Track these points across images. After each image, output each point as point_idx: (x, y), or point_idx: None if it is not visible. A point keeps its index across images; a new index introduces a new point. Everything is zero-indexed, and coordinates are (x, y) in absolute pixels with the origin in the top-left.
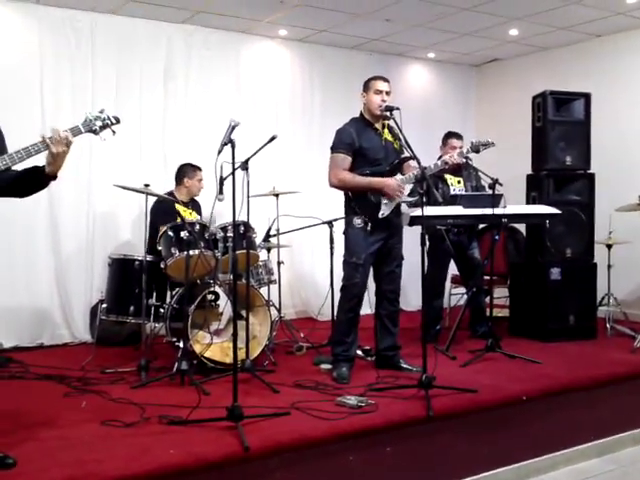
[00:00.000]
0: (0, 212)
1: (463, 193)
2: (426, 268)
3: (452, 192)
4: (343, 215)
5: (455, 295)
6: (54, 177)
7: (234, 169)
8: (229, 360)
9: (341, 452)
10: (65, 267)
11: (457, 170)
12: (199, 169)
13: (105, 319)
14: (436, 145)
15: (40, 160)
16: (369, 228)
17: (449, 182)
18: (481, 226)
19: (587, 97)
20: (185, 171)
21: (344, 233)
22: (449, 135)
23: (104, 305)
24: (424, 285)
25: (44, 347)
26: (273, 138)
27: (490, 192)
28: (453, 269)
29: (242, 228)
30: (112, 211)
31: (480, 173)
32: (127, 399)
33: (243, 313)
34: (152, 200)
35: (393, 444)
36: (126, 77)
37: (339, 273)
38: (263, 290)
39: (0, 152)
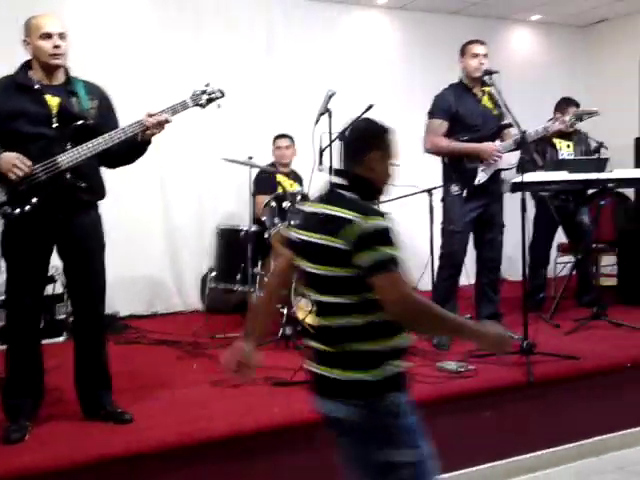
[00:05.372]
0: (115, 186)
1: (567, 158)
2: (532, 235)
3: (560, 157)
4: (441, 183)
5: (560, 264)
6: (149, 142)
7: (332, 140)
8: None
9: (441, 414)
10: (176, 239)
11: (567, 134)
12: (280, 137)
13: (214, 287)
14: (544, 109)
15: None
16: (465, 195)
17: (558, 147)
18: (590, 191)
19: None
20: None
21: (442, 200)
22: (563, 102)
23: (213, 274)
24: (524, 252)
25: (158, 315)
26: (370, 107)
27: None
28: (559, 237)
29: None
30: (218, 183)
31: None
32: None
33: None
34: (256, 172)
35: (493, 408)
36: (229, 52)
37: (439, 242)
38: None
39: (113, 127)
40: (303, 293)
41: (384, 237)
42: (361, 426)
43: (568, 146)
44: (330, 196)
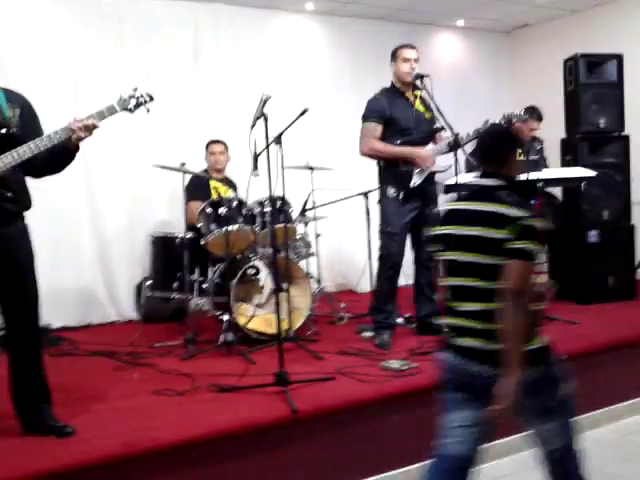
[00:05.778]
0: (41, 195)
1: None
2: None
3: None
4: (377, 186)
5: None
6: (77, 148)
7: (268, 143)
8: (272, 331)
9: (386, 413)
10: (108, 247)
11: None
12: (213, 142)
13: (150, 296)
14: (470, 112)
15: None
16: (402, 197)
17: None
18: None
19: (619, 58)
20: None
21: (379, 203)
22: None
23: (149, 282)
24: None
25: (92, 326)
26: (304, 111)
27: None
28: None
29: (279, 202)
30: (150, 190)
31: None
32: (177, 370)
33: (284, 285)
34: (189, 178)
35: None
36: (156, 59)
37: (376, 244)
38: (302, 263)
39: (36, 135)
40: (243, 298)
41: (541, 236)
42: (541, 380)
43: (520, 154)
44: (490, 196)
